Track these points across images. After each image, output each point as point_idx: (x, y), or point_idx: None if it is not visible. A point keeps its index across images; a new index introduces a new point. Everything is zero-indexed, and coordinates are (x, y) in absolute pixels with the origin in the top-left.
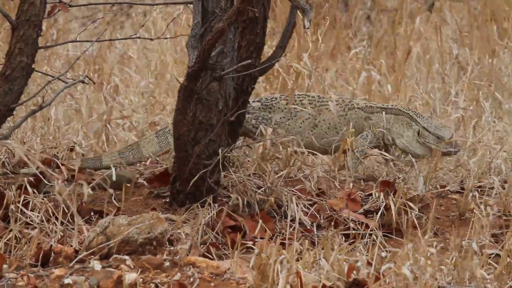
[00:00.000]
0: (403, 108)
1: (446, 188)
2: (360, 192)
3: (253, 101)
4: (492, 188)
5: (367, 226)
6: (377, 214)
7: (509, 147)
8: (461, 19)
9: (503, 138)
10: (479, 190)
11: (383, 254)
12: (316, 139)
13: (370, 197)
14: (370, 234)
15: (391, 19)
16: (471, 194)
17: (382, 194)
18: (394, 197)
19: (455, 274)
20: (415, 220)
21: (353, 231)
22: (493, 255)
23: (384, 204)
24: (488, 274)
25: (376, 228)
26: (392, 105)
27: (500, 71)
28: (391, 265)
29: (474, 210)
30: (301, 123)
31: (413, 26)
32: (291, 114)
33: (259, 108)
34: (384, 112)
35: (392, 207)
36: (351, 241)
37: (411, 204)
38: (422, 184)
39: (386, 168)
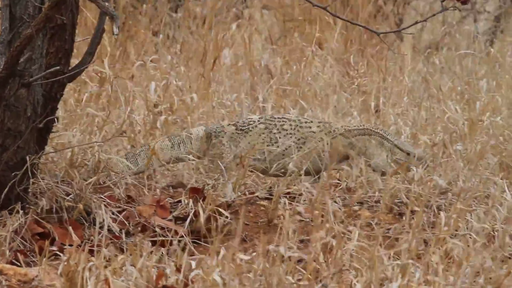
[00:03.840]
0: (373, 128)
1: (255, 195)
2: (169, 198)
3: (228, 125)
4: (301, 194)
5: (176, 233)
6: (186, 220)
7: None
8: (272, 26)
9: None
10: (288, 197)
11: (192, 260)
12: (300, 163)
13: (180, 203)
14: (179, 241)
15: (200, 26)
16: (279, 200)
17: (191, 200)
18: (203, 203)
19: (263, 280)
20: (224, 226)
21: (162, 238)
22: (301, 261)
23: (193, 211)
24: (298, 280)
25: (185, 235)
26: (363, 125)
27: (307, 78)
28: (199, 272)
29: (282, 217)
30: (284, 150)
31: (223, 34)
32: (271, 140)
33: (233, 132)
34: (362, 135)
35: (201, 213)
36: (160, 247)
37: (220, 210)
38: (231, 190)
39: (195, 174)
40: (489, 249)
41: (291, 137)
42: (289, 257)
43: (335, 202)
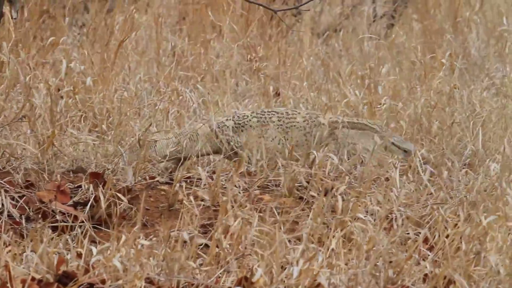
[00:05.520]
0: (369, 123)
1: (156, 179)
2: (69, 184)
3: (227, 119)
4: (200, 179)
5: (76, 218)
6: (86, 206)
7: None
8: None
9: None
10: (188, 181)
11: (93, 246)
12: (283, 154)
13: (80, 188)
14: (80, 226)
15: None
16: (179, 185)
17: (91, 185)
18: (103, 188)
19: (164, 266)
20: (124, 211)
21: (62, 223)
22: (202, 246)
23: (93, 196)
24: (200, 265)
25: (85, 220)
26: (358, 120)
27: (212, 60)
28: (100, 257)
29: (183, 201)
30: (271, 141)
31: (130, 16)
32: (262, 132)
33: (233, 127)
34: (349, 128)
35: (101, 198)
36: (60, 233)
37: (120, 195)
38: (131, 175)
39: (95, 159)
40: (388, 232)
41: (278, 128)
42: (191, 242)
43: (236, 186)
